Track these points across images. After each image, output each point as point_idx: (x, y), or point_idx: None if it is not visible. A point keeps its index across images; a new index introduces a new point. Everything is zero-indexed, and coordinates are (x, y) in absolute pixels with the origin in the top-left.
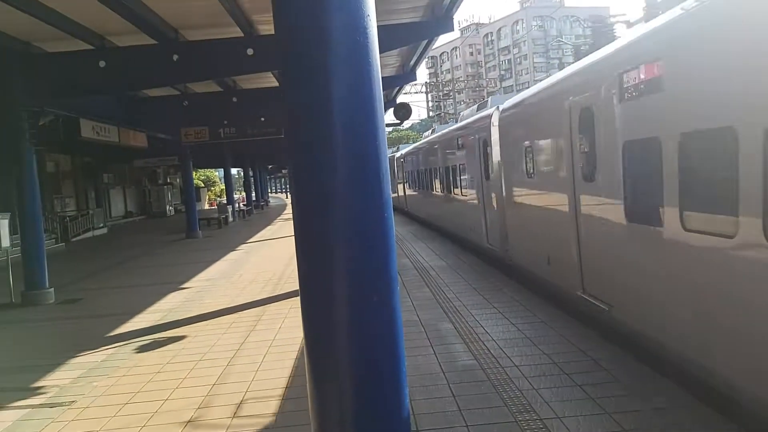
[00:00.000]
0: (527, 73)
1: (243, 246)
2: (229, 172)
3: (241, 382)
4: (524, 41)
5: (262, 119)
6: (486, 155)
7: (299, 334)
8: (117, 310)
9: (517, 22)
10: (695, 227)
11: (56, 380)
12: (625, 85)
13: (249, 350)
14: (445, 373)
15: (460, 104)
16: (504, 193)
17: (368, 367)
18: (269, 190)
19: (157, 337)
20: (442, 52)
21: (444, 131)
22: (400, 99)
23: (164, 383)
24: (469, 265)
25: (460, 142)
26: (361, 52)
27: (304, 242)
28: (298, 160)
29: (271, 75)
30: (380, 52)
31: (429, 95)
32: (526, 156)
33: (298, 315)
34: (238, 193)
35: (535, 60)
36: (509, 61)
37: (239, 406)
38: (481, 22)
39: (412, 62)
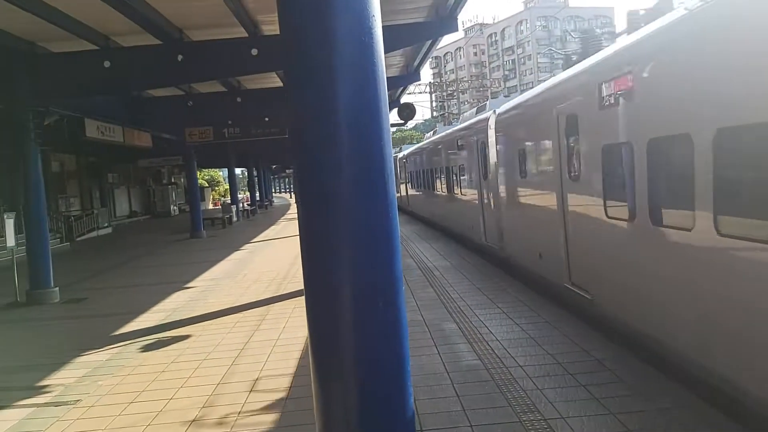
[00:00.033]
0: (531, 74)
1: (247, 246)
2: (233, 172)
3: (245, 381)
4: (528, 41)
5: (267, 119)
6: (483, 156)
7: (303, 333)
8: (121, 310)
9: (521, 22)
10: (663, 222)
11: (61, 379)
12: (602, 95)
13: (253, 350)
14: (449, 373)
15: (464, 104)
16: (500, 193)
17: (373, 367)
18: (273, 190)
19: (162, 337)
20: (446, 53)
21: (444, 133)
22: (404, 99)
23: (169, 382)
24: (473, 265)
25: (459, 144)
26: (366, 52)
27: (309, 242)
28: (302, 160)
29: (276, 75)
30: (384, 53)
31: (433, 95)
32: (519, 158)
33: (302, 314)
34: (242, 192)
35: (539, 60)
36: (513, 61)
37: (243, 405)
38: (485, 22)
39: (416, 62)
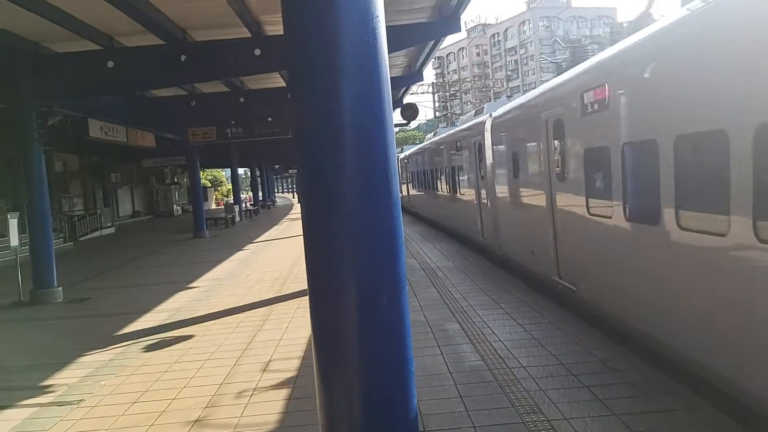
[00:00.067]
0: (534, 74)
1: (250, 246)
2: (236, 171)
3: (248, 381)
4: (531, 42)
5: (269, 119)
6: (481, 158)
7: (306, 333)
8: (125, 309)
9: (523, 22)
10: (634, 219)
11: (64, 379)
12: (584, 103)
13: (256, 350)
14: (452, 373)
15: (467, 105)
16: (496, 193)
17: (376, 368)
18: (276, 190)
19: (165, 337)
20: (449, 53)
21: (444, 135)
22: (407, 99)
23: (172, 382)
24: (475, 265)
25: (458, 145)
26: (371, 52)
27: (313, 242)
28: (306, 160)
29: (279, 75)
30: (388, 53)
31: (435, 95)
32: (513, 159)
33: (305, 315)
34: (245, 192)
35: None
36: (516, 61)
37: (246, 405)
38: (487, 22)
39: (419, 63)
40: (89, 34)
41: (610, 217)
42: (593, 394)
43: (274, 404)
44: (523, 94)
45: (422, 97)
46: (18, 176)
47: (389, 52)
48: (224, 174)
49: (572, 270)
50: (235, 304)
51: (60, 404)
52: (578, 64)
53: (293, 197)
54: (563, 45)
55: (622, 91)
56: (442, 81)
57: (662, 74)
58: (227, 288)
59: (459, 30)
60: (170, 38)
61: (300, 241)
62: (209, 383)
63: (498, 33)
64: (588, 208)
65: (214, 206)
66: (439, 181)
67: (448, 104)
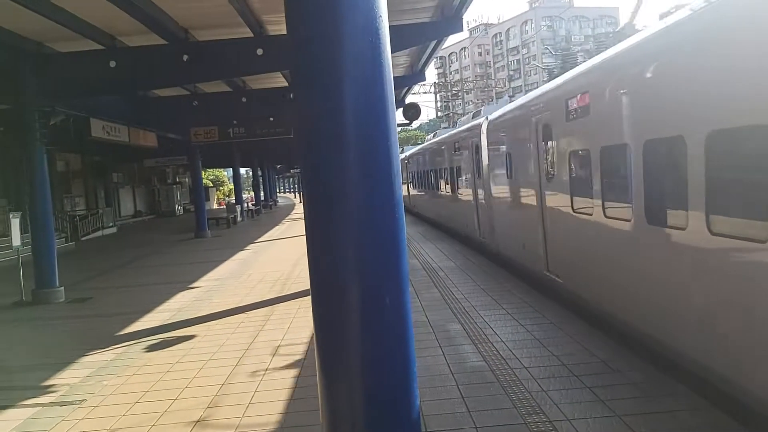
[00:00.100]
0: (536, 74)
1: (251, 246)
2: (238, 171)
3: (250, 381)
4: (533, 41)
5: (271, 119)
6: (477, 159)
7: (307, 333)
8: (126, 309)
9: (526, 22)
10: (609, 216)
11: (66, 379)
12: (569, 109)
13: (258, 350)
14: (454, 374)
15: (469, 104)
16: (491, 192)
17: (379, 368)
18: (278, 190)
19: (167, 337)
20: (451, 53)
21: (443, 136)
22: (409, 99)
23: (173, 382)
24: (477, 266)
25: (456, 147)
26: (374, 52)
27: (316, 243)
28: (309, 160)
29: (281, 75)
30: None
31: (438, 95)
32: (507, 160)
33: (306, 315)
34: (246, 192)
35: (543, 60)
36: (518, 61)
37: (248, 406)
38: (490, 22)
39: (421, 62)
40: (92, 34)
41: (591, 215)
42: (595, 395)
43: (275, 404)
44: (525, 94)
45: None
46: (20, 176)
47: (391, 52)
48: (226, 174)
49: (559, 263)
50: (236, 304)
51: (62, 404)
52: (568, 70)
53: (295, 197)
54: (554, 53)
55: (601, 99)
56: (444, 81)
57: (633, 85)
58: (229, 288)
59: (461, 30)
60: (172, 38)
61: (301, 242)
62: (211, 383)
63: (500, 33)
64: (572, 206)
65: (215, 206)
66: (438, 182)
67: (450, 104)
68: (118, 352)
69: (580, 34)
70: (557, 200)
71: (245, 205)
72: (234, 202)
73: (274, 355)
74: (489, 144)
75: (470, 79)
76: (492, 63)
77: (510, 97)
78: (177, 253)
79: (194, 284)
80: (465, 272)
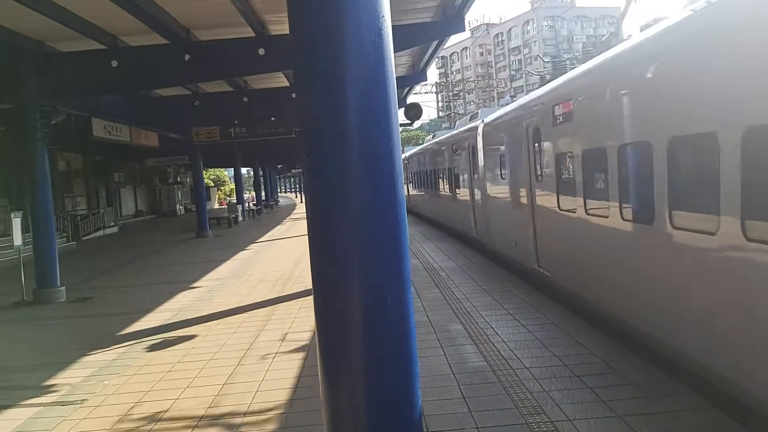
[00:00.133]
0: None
1: (253, 245)
2: (239, 171)
3: (251, 381)
4: (535, 41)
5: (273, 119)
6: (474, 160)
7: (309, 333)
8: (128, 309)
9: (527, 22)
10: (590, 213)
11: (68, 378)
12: (555, 114)
13: (259, 350)
14: (455, 374)
15: (470, 104)
16: (486, 191)
17: (381, 368)
18: (279, 190)
19: (168, 336)
20: (452, 53)
21: (441, 138)
22: (411, 99)
23: (175, 382)
24: (478, 266)
25: (454, 148)
26: (376, 52)
27: (318, 242)
28: (311, 159)
29: (282, 75)
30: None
31: (439, 95)
32: (501, 161)
33: (308, 315)
34: (247, 192)
35: (545, 61)
36: (519, 61)
37: (249, 405)
38: (491, 22)
39: (422, 62)
40: (93, 34)
41: (575, 213)
42: (596, 395)
43: (277, 404)
44: (527, 94)
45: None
46: (21, 175)
47: (394, 52)
48: (227, 173)
49: (548, 259)
50: (238, 304)
51: (63, 404)
52: (558, 76)
53: (296, 197)
54: (545, 60)
55: (582, 107)
56: (445, 81)
57: (608, 95)
58: (230, 288)
59: (463, 30)
60: (174, 38)
61: (302, 241)
62: (212, 383)
63: (502, 33)
64: (559, 204)
65: (217, 206)
66: (437, 182)
67: (451, 104)
68: (120, 352)
69: (582, 34)
70: (545, 199)
71: (246, 204)
72: (235, 201)
73: (275, 355)
74: (484, 146)
75: (471, 79)
76: (493, 63)
77: (511, 97)
78: (178, 252)
79: (195, 284)
80: (466, 272)
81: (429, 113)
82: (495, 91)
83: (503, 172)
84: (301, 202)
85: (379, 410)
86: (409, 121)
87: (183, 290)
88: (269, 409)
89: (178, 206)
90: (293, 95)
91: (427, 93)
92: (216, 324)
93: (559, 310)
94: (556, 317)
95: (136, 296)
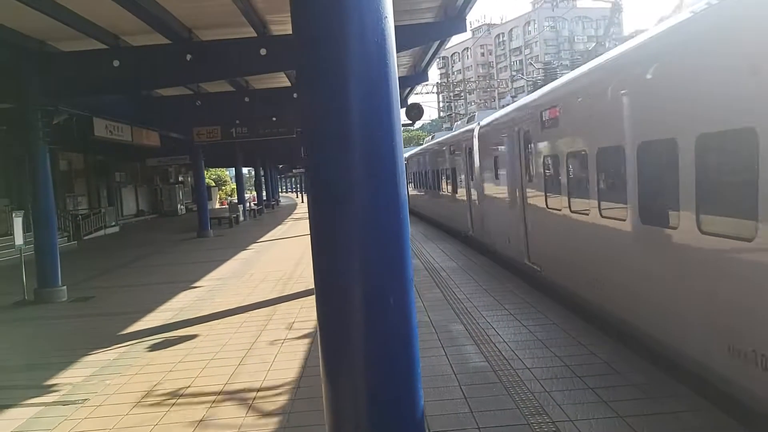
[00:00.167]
0: (539, 74)
1: (254, 245)
2: (240, 171)
3: (252, 381)
4: (536, 42)
5: (274, 119)
6: (470, 161)
7: (310, 333)
8: (129, 309)
9: (528, 22)
10: (574, 210)
11: (69, 378)
12: (543, 120)
13: (260, 350)
14: (456, 374)
15: (471, 105)
16: (482, 191)
17: (383, 368)
18: (280, 190)
19: (169, 336)
20: (454, 53)
21: (439, 139)
22: (412, 99)
23: (176, 382)
24: (479, 266)
25: (451, 150)
26: (379, 53)
27: (320, 242)
28: (314, 160)
29: (284, 75)
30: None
31: (440, 96)
32: (495, 163)
33: (309, 314)
34: (248, 192)
35: (546, 61)
36: (521, 61)
37: (251, 406)
38: (492, 22)
39: (424, 63)
40: (95, 33)
41: (560, 210)
42: (598, 396)
43: (278, 404)
44: (528, 94)
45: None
46: (23, 175)
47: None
48: (228, 173)
49: (537, 255)
50: (239, 304)
51: (64, 403)
52: (549, 82)
53: (297, 197)
54: (535, 66)
55: (566, 113)
56: (446, 81)
57: (587, 103)
58: (231, 287)
59: (464, 30)
60: (176, 37)
61: (303, 241)
62: (213, 383)
63: (503, 33)
64: (546, 203)
65: (218, 205)
66: (435, 182)
67: (452, 104)
68: (121, 352)
69: (583, 34)
70: (535, 199)
71: (247, 204)
72: (236, 201)
73: (276, 355)
74: (480, 148)
75: (473, 80)
76: (494, 63)
77: (512, 97)
78: (179, 252)
79: (196, 284)
80: (467, 272)
81: (430, 113)
82: (496, 91)
83: (497, 172)
84: (302, 202)
85: (381, 410)
86: (410, 122)
87: (184, 290)
88: (271, 410)
89: (179, 206)
90: (294, 95)
91: (428, 93)
92: (217, 324)
93: (561, 311)
94: (558, 317)
95: (137, 296)
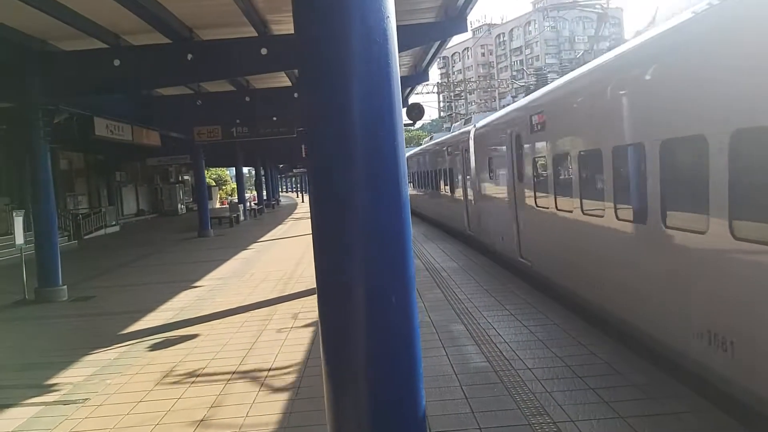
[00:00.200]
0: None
1: (254, 245)
2: (241, 170)
3: (253, 381)
4: (536, 42)
5: (275, 118)
6: (466, 161)
7: (310, 333)
8: (129, 308)
9: (529, 22)
10: (560, 208)
11: (70, 377)
12: (532, 124)
13: (261, 349)
14: (457, 374)
15: (471, 105)
16: (477, 190)
17: (385, 368)
18: (280, 190)
19: (170, 336)
20: (454, 53)
21: (437, 140)
22: (412, 99)
23: (177, 380)
24: (480, 266)
25: (448, 151)
26: (381, 53)
27: (322, 242)
28: (316, 160)
29: (284, 75)
30: None
31: (441, 96)
32: (489, 163)
33: (309, 314)
34: (249, 192)
35: (547, 61)
36: (521, 61)
37: (252, 405)
38: (493, 22)
39: (424, 63)
40: (96, 33)
41: (548, 208)
42: (599, 396)
43: (278, 404)
44: (522, 98)
45: (427, 97)
46: (23, 174)
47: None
48: (228, 173)
49: (529, 250)
50: (239, 304)
51: (65, 403)
52: (540, 87)
53: (297, 196)
54: (528, 72)
55: (552, 119)
56: (447, 81)
57: (571, 110)
58: (232, 287)
59: (465, 30)
60: (177, 37)
61: (304, 241)
62: (213, 383)
63: (503, 33)
64: (536, 202)
65: (218, 205)
66: (433, 182)
67: (452, 104)
68: (121, 351)
69: (584, 34)
70: (526, 198)
71: (248, 204)
72: (237, 201)
73: (277, 354)
74: (475, 149)
75: (473, 80)
76: (495, 63)
77: (513, 98)
78: (180, 252)
79: (197, 283)
80: (467, 273)
81: (430, 113)
82: (497, 91)
83: (492, 173)
84: (303, 201)
85: (383, 410)
86: (410, 122)
87: (185, 289)
88: (271, 410)
89: (179, 205)
90: (295, 95)
91: (428, 93)
92: (218, 323)
93: (561, 311)
94: (558, 318)
95: (137, 295)
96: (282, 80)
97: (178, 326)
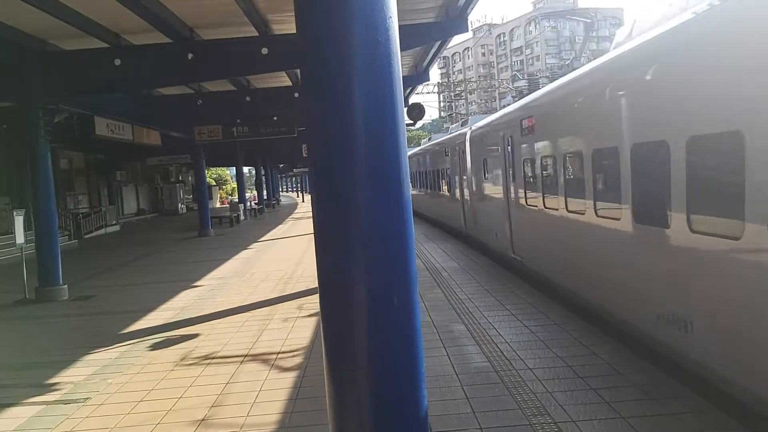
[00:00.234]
0: (540, 74)
1: (255, 244)
2: (241, 170)
3: (254, 381)
4: (537, 42)
5: (275, 118)
6: (463, 162)
7: (311, 333)
8: (130, 308)
9: (529, 22)
10: (548, 206)
11: (70, 377)
12: (522, 127)
13: (261, 349)
14: (458, 374)
15: (472, 105)
16: (473, 190)
17: (387, 368)
18: (281, 189)
19: (171, 335)
20: (454, 53)
21: (435, 141)
22: (413, 99)
23: (178, 381)
24: (481, 266)
25: (446, 152)
26: (383, 52)
27: (324, 242)
28: (318, 159)
29: (285, 75)
30: None
31: (441, 95)
32: (484, 164)
33: (310, 314)
34: (249, 191)
35: (547, 61)
36: (521, 62)
37: (252, 405)
38: (493, 22)
39: (425, 62)
40: (96, 32)
41: (537, 206)
42: (600, 397)
43: (279, 404)
44: (519, 100)
45: (428, 97)
46: (24, 173)
47: None
48: (229, 172)
49: (521, 247)
50: (240, 303)
51: (66, 402)
52: (533, 91)
53: (297, 196)
54: (521, 77)
55: (539, 123)
56: (447, 81)
57: (557, 115)
58: (232, 287)
59: (466, 30)
60: (177, 36)
61: (304, 241)
62: (215, 382)
63: (504, 33)
64: (526, 200)
65: (218, 205)
66: (431, 181)
67: (453, 104)
68: (122, 351)
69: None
70: (517, 197)
71: (248, 203)
72: (237, 200)
73: (278, 353)
74: (471, 150)
75: (473, 80)
76: (495, 63)
77: (513, 98)
78: (180, 251)
79: (197, 283)
80: (468, 273)
81: (431, 113)
82: (497, 91)
83: (486, 173)
84: (303, 201)
85: (385, 410)
86: (411, 121)
87: (185, 289)
88: (272, 409)
89: (180, 205)
90: (296, 95)
91: (429, 93)
92: (218, 323)
93: (562, 311)
94: (559, 318)
95: (138, 295)
96: (283, 80)
97: (178, 326)
